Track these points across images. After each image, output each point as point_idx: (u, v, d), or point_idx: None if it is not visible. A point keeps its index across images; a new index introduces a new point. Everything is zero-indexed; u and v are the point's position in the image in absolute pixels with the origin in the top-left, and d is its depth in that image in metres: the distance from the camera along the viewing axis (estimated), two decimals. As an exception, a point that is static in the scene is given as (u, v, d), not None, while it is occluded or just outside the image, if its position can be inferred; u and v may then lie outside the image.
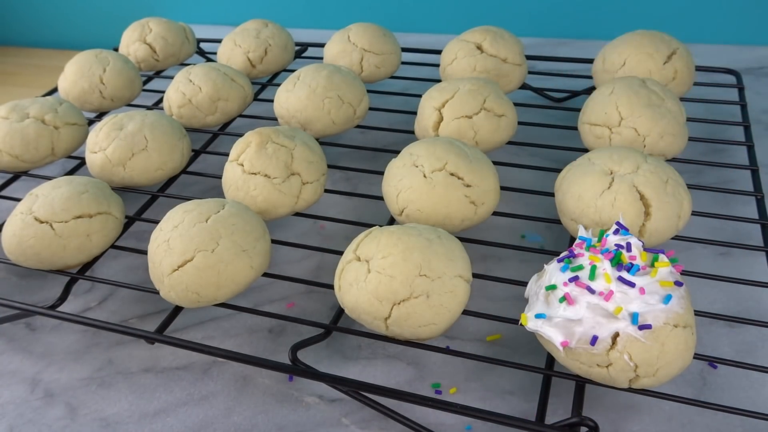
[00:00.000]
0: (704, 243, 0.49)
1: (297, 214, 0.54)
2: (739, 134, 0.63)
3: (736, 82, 0.70)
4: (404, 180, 0.50)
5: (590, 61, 0.72)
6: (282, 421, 0.42)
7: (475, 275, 0.45)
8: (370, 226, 0.48)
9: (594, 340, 0.35)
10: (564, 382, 0.41)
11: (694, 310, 0.38)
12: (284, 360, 0.42)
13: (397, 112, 0.69)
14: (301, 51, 0.85)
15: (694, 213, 0.49)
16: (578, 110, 0.61)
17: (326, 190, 0.56)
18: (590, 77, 0.70)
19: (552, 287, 0.37)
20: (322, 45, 0.81)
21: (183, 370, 0.46)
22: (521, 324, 0.38)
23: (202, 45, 0.92)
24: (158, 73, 0.82)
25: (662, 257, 0.37)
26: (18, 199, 0.57)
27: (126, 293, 0.53)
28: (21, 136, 0.60)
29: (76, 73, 0.70)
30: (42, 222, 0.49)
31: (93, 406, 0.44)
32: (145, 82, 0.79)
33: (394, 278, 0.40)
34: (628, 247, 0.37)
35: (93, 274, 0.55)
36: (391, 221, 0.53)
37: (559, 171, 0.53)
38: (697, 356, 0.39)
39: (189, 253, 0.44)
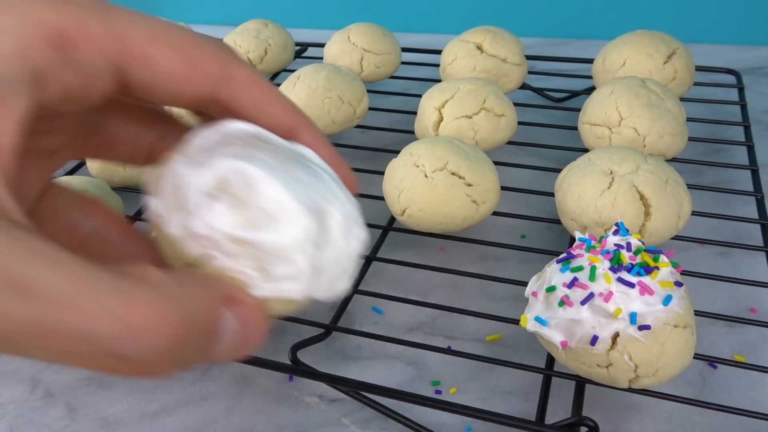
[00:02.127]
0: (704, 243, 0.49)
1: (297, 214, 0.54)
2: (739, 134, 0.63)
3: (736, 82, 0.70)
4: (405, 180, 0.50)
5: (590, 61, 0.72)
6: (282, 421, 0.42)
7: (475, 275, 0.45)
8: (370, 226, 0.48)
9: (594, 340, 0.35)
10: (564, 382, 0.41)
11: (694, 310, 0.38)
12: (284, 360, 0.42)
13: (397, 112, 0.69)
14: (301, 51, 0.85)
15: (694, 213, 0.49)
16: (578, 110, 0.61)
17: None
18: (590, 77, 0.70)
19: (552, 288, 0.37)
20: (322, 45, 0.81)
21: (183, 370, 0.46)
22: (521, 324, 0.38)
23: (202, 45, 0.92)
24: (158, 73, 0.82)
25: (662, 257, 0.37)
26: (18, 199, 0.57)
27: (126, 293, 0.53)
28: (21, 136, 0.60)
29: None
30: (42, 222, 0.49)
31: (93, 406, 0.44)
32: (145, 82, 0.79)
33: None
34: (628, 247, 0.37)
35: (93, 274, 0.55)
36: (392, 221, 0.53)
37: (559, 171, 0.53)
38: (697, 356, 0.39)
39: (189, 253, 0.44)
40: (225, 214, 0.19)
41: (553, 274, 0.38)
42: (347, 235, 0.22)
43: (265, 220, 0.19)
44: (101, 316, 0.15)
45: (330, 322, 0.44)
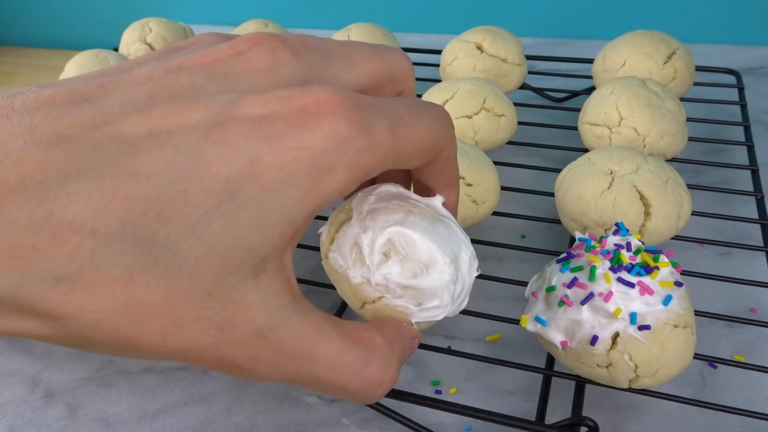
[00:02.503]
0: (704, 243, 0.49)
1: (297, 214, 0.54)
2: (739, 134, 0.63)
3: (736, 82, 0.70)
4: (404, 180, 0.50)
5: (590, 61, 0.72)
6: (282, 421, 0.42)
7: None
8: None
9: (594, 340, 0.35)
10: (564, 382, 0.41)
11: (694, 310, 0.38)
12: (284, 360, 0.42)
13: (397, 112, 0.69)
14: (301, 51, 0.85)
15: (694, 213, 0.49)
16: (578, 110, 0.61)
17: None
18: (590, 77, 0.70)
19: (552, 288, 0.37)
20: (322, 45, 0.81)
21: (183, 370, 0.46)
22: (521, 324, 0.38)
23: (202, 45, 0.92)
24: (158, 73, 0.82)
25: (662, 257, 0.37)
26: (18, 199, 0.57)
27: (126, 293, 0.53)
28: (21, 136, 0.60)
29: (76, 74, 0.70)
30: (42, 222, 0.49)
31: (93, 406, 0.44)
32: (145, 82, 0.79)
33: None
34: (628, 247, 0.37)
35: (93, 274, 0.55)
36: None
37: (559, 171, 0.53)
38: (697, 356, 0.39)
39: (189, 253, 0.44)
40: (396, 267, 0.27)
41: (553, 274, 0.38)
42: (470, 270, 0.31)
43: (421, 270, 0.27)
44: (353, 378, 0.25)
45: (330, 322, 0.44)
